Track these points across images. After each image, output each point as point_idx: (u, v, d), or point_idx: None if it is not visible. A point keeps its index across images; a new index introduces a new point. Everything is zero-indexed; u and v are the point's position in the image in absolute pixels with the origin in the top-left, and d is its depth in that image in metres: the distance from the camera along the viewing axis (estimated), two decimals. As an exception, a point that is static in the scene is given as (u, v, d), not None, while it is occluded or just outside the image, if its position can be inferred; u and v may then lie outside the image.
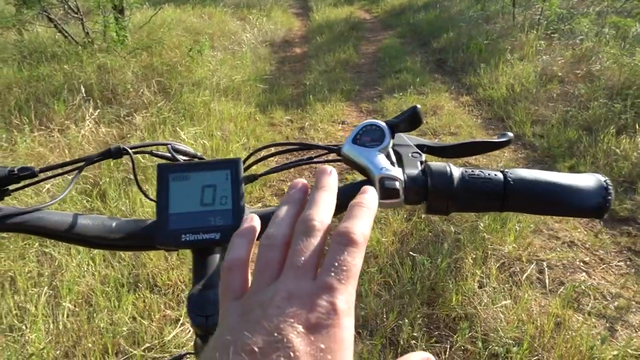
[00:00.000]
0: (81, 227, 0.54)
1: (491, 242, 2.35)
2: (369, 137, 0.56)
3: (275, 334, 0.24)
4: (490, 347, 1.80)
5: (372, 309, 2.01)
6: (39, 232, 0.54)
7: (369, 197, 0.33)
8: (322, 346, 0.24)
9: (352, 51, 6.25)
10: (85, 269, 2.15)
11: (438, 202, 0.51)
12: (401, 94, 4.54)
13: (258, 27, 7.34)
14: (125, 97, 4.08)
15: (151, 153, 0.65)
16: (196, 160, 0.65)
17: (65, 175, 0.64)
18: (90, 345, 1.79)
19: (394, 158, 0.55)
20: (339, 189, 0.59)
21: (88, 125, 3.50)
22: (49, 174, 0.62)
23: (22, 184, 0.60)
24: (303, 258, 0.28)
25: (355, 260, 0.28)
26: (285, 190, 2.97)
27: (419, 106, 0.56)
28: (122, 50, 5.02)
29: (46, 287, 2.01)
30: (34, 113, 3.63)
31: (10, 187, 0.59)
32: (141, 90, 4.14)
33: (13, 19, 5.11)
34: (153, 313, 1.99)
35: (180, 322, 1.95)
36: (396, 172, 0.51)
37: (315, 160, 0.65)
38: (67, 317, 1.91)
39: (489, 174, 0.51)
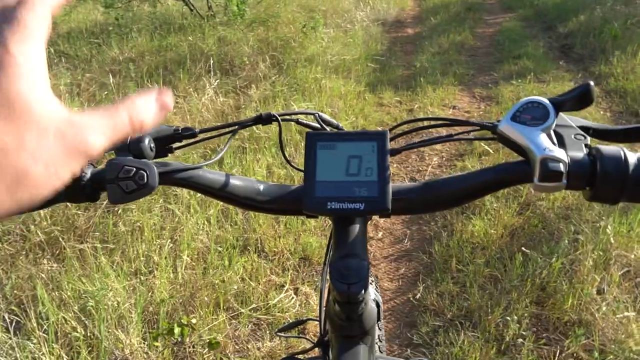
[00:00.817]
0: (233, 187, 0.57)
1: (615, 247, 2.15)
2: (529, 115, 0.53)
3: None
4: (608, 359, 1.66)
5: (476, 301, 1.94)
6: (198, 188, 0.58)
7: None
8: None
9: (468, 33, 5.96)
10: (201, 227, 2.31)
11: (607, 190, 0.47)
12: (519, 80, 4.26)
13: (371, 5, 7.25)
14: (241, 70, 4.27)
15: (297, 121, 0.67)
16: (342, 130, 0.65)
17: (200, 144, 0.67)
18: (205, 298, 1.93)
19: (555, 139, 0.52)
20: (492, 168, 0.56)
21: (208, 94, 3.73)
22: (207, 135, 0.66)
23: (184, 142, 0.65)
24: None
25: (36, 16, 0.26)
26: (423, 165, 2.96)
27: (592, 83, 0.51)
28: (241, 23, 5.24)
29: (168, 240, 2.20)
30: (162, 80, 3.94)
31: (174, 145, 0.64)
32: (257, 63, 4.30)
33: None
34: (260, 277, 2.09)
35: (285, 288, 2.04)
36: (560, 153, 0.47)
37: (466, 137, 0.63)
38: (185, 269, 2.07)
39: None
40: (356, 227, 0.54)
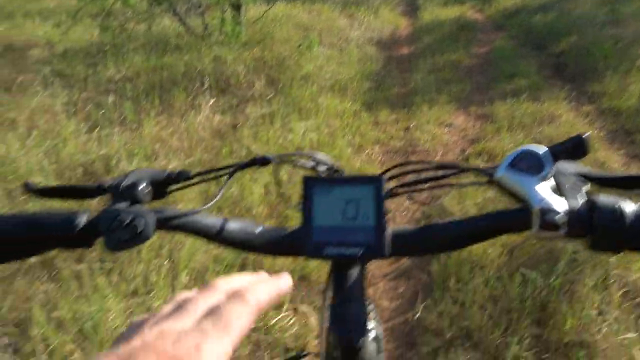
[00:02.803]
0: (230, 231, 0.57)
1: (615, 266, 2.16)
2: (526, 163, 0.52)
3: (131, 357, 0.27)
4: (610, 380, 1.65)
5: (475, 322, 1.93)
6: (195, 233, 0.57)
7: (280, 284, 0.41)
8: None
9: (462, 52, 6.04)
10: (199, 247, 2.29)
11: (606, 239, 0.46)
12: (514, 99, 4.31)
13: (365, 24, 7.35)
14: (237, 88, 4.30)
15: (293, 163, 0.66)
16: (339, 174, 0.65)
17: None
18: (203, 319, 1.91)
19: (554, 187, 0.51)
20: (492, 214, 0.56)
21: (204, 112, 3.74)
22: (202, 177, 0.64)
23: (179, 185, 0.64)
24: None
25: (238, 314, 0.33)
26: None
27: (587, 134, 0.51)
28: (237, 43, 5.28)
29: (166, 260, 2.18)
30: (158, 99, 3.95)
31: (170, 188, 0.63)
32: (253, 82, 4.33)
33: (145, 14, 5.59)
34: (258, 296, 2.07)
35: (284, 308, 2.02)
36: (558, 203, 0.47)
37: (460, 182, 0.62)
38: (183, 289, 2.05)
39: None
40: (355, 272, 0.54)
